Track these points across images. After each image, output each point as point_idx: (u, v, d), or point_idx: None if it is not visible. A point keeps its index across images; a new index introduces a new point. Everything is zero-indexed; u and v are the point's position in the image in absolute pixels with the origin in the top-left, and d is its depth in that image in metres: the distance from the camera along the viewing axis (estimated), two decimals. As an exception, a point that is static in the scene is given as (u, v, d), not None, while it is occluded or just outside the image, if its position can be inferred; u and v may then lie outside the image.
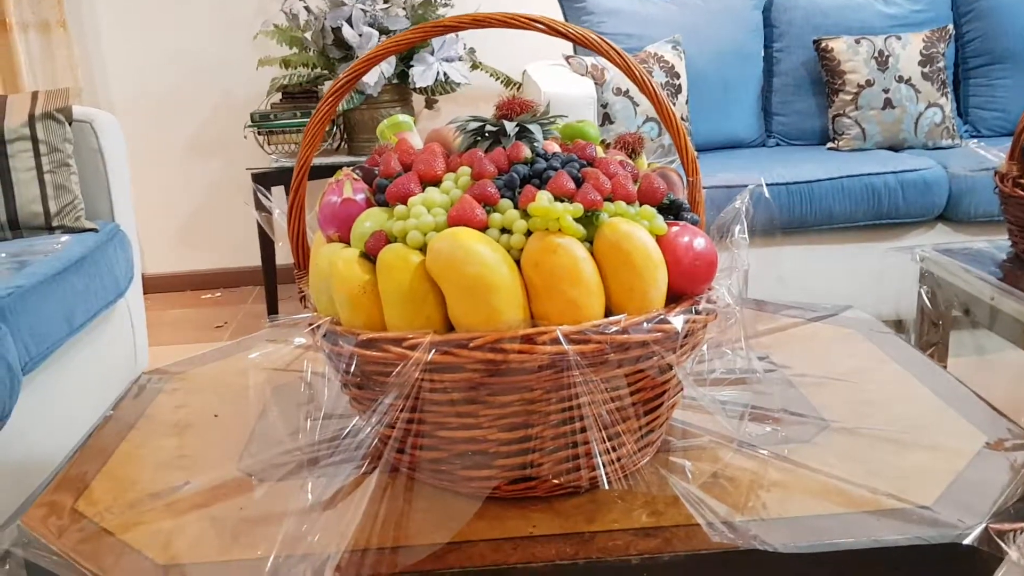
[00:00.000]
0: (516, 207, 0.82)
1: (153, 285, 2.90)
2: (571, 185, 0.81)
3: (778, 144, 2.56)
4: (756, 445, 0.96)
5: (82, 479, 0.95)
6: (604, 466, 0.86)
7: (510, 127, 0.90)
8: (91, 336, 1.60)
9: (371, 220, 0.85)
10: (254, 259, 2.72)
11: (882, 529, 0.81)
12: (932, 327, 1.51)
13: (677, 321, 0.80)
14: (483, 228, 0.80)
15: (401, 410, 0.82)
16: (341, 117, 2.54)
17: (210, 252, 2.91)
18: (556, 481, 0.86)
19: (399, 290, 0.78)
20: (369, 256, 0.83)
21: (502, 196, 0.83)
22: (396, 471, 0.94)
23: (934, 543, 0.80)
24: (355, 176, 0.92)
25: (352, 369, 0.84)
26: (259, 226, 2.67)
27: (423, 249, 0.79)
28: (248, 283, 2.83)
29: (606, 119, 2.25)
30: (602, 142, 1.10)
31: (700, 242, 0.84)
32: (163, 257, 2.95)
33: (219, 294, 2.80)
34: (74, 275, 1.47)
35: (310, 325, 0.88)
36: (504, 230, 0.81)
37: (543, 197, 0.78)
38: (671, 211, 0.88)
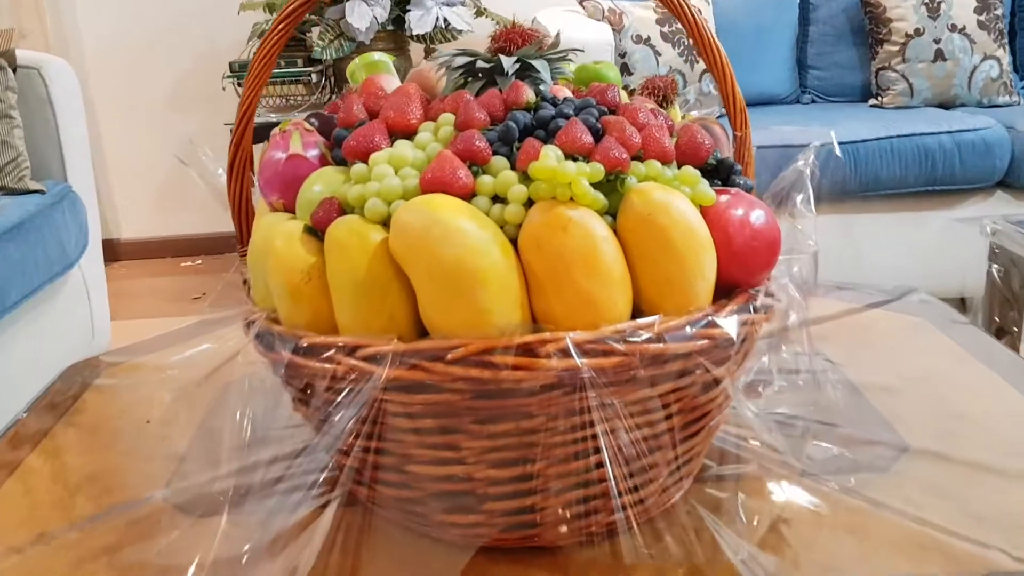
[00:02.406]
0: (513, 167, 0.61)
1: (130, 251, 2.69)
2: (587, 138, 0.59)
3: (814, 100, 2.32)
4: (818, 474, 0.76)
5: (-39, 511, 0.75)
6: (627, 507, 0.66)
7: (508, 63, 0.68)
8: (34, 313, 1.40)
9: (321, 183, 0.65)
10: (238, 224, 2.51)
11: (997, 602, 0.61)
12: (1006, 310, 1.29)
13: (730, 325, 0.59)
14: (468, 195, 0.59)
15: (357, 436, 0.61)
16: (331, 68, 2.31)
17: (191, 215, 2.69)
18: (564, 529, 0.66)
19: (353, 279, 0.57)
20: (317, 232, 0.62)
21: (495, 152, 0.61)
22: (358, 504, 0.74)
23: (1069, 623, 0.59)
24: (308, 126, 0.71)
25: (293, 380, 0.63)
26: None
27: (387, 224, 0.59)
28: (230, 250, 2.60)
29: (624, 70, 2.02)
30: (624, 87, 0.88)
31: (759, 215, 0.63)
32: (140, 221, 2.73)
33: (199, 261, 2.58)
34: (7, 244, 1.26)
35: (245, 320, 0.67)
36: (497, 198, 0.60)
37: (549, 154, 0.57)
38: (719, 174, 0.66)
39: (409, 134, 0.66)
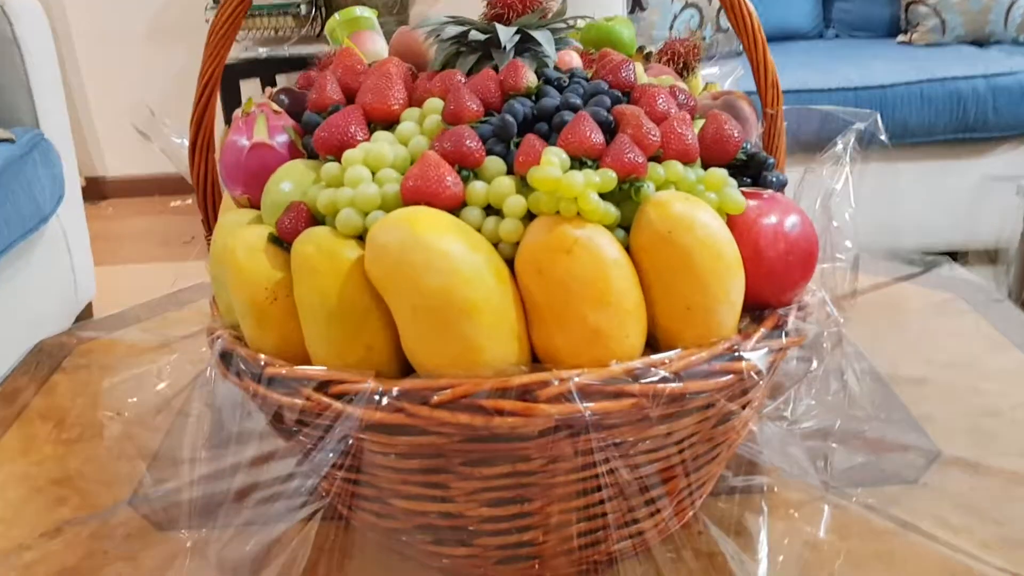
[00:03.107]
0: (510, 170, 0.52)
1: (117, 190, 2.58)
2: (597, 137, 0.51)
3: (838, 36, 2.16)
4: (843, 488, 0.69)
5: (-91, 527, 0.69)
6: (632, 536, 0.60)
7: (506, 36, 0.59)
8: (9, 272, 1.32)
9: (291, 180, 0.56)
10: (230, 160, 2.41)
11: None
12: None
13: (758, 356, 0.51)
14: (457, 205, 0.51)
15: (337, 467, 0.55)
16: (323, -2, 2.18)
17: (179, 152, 2.57)
18: (563, 560, 0.60)
19: (324, 306, 0.50)
20: (283, 242, 0.54)
21: (489, 151, 0.53)
22: (342, 519, 0.68)
23: None
24: (275, 107, 0.62)
25: (262, 407, 0.56)
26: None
27: (363, 237, 0.51)
28: (228, 184, 2.49)
29: (636, 5, 1.89)
30: (639, 50, 0.79)
31: (794, 223, 0.54)
32: (126, 158, 2.61)
33: (190, 201, 2.48)
34: (-30, 205, 1.18)
35: (209, 336, 0.60)
36: (490, 209, 0.51)
37: (552, 160, 0.48)
38: (748, 170, 0.58)
39: (390, 122, 0.58)
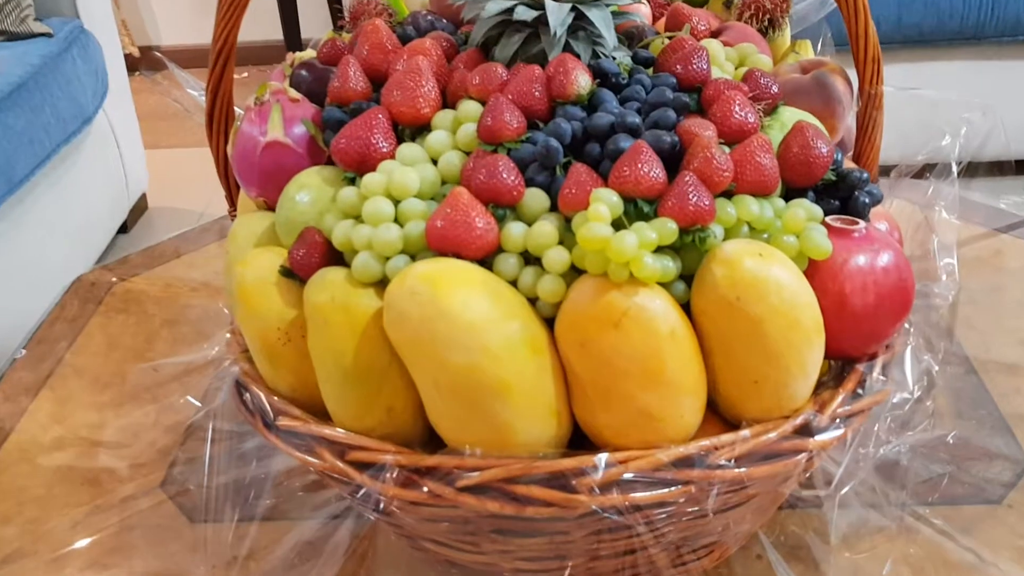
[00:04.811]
0: (554, 205, 0.45)
1: (172, 60, 2.51)
2: (657, 173, 0.43)
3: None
4: (916, 507, 0.63)
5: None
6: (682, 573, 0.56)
7: (557, 17, 0.50)
8: (54, 176, 1.29)
9: (309, 192, 0.49)
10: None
11: None
12: None
13: (835, 432, 0.44)
14: (490, 251, 0.44)
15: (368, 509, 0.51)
16: None
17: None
18: (606, 597, 0.56)
19: (338, 364, 0.44)
20: (298, 275, 0.47)
21: (530, 182, 0.45)
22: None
23: None
24: (292, 94, 0.55)
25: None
26: (280, -2, 2.23)
27: (384, 284, 0.44)
28: (278, 60, 2.39)
29: None
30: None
31: (887, 263, 0.46)
32: (181, 27, 2.52)
33: (245, 74, 2.39)
34: (7, 113, 1.13)
35: (228, 361, 0.55)
36: (529, 257, 0.44)
37: (601, 211, 0.41)
38: (838, 192, 0.49)
39: (420, 125, 0.50)
